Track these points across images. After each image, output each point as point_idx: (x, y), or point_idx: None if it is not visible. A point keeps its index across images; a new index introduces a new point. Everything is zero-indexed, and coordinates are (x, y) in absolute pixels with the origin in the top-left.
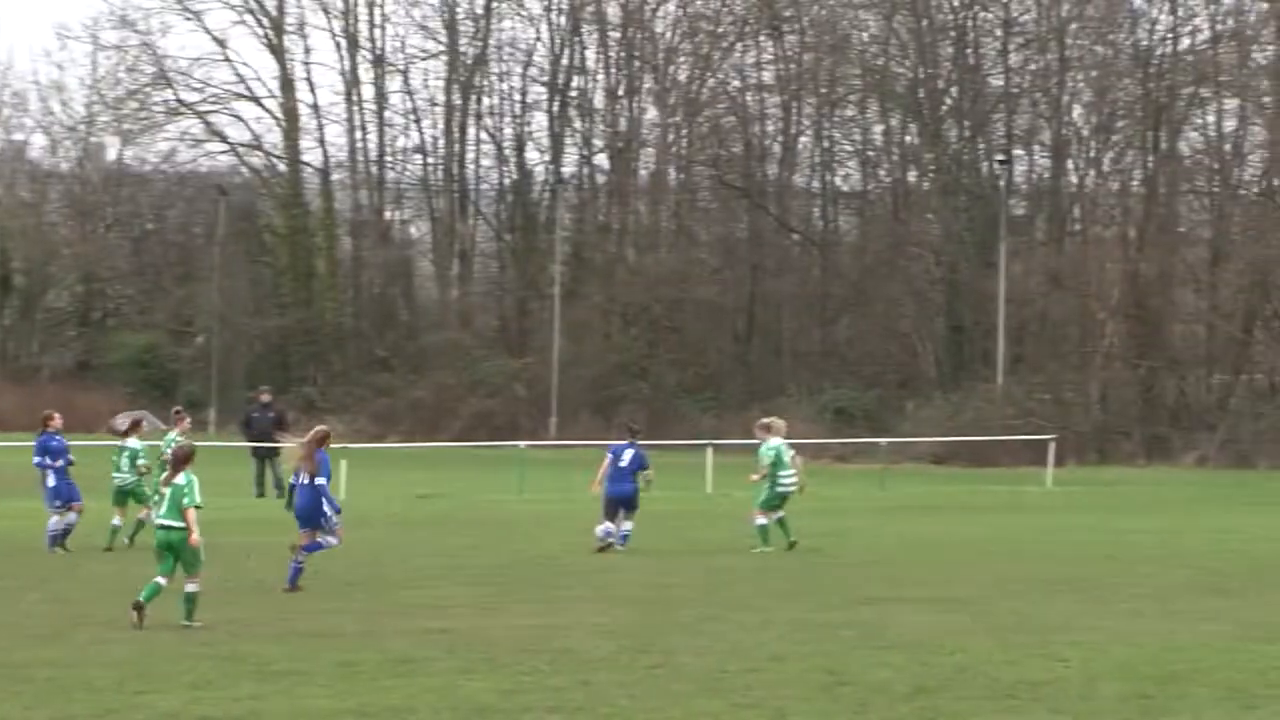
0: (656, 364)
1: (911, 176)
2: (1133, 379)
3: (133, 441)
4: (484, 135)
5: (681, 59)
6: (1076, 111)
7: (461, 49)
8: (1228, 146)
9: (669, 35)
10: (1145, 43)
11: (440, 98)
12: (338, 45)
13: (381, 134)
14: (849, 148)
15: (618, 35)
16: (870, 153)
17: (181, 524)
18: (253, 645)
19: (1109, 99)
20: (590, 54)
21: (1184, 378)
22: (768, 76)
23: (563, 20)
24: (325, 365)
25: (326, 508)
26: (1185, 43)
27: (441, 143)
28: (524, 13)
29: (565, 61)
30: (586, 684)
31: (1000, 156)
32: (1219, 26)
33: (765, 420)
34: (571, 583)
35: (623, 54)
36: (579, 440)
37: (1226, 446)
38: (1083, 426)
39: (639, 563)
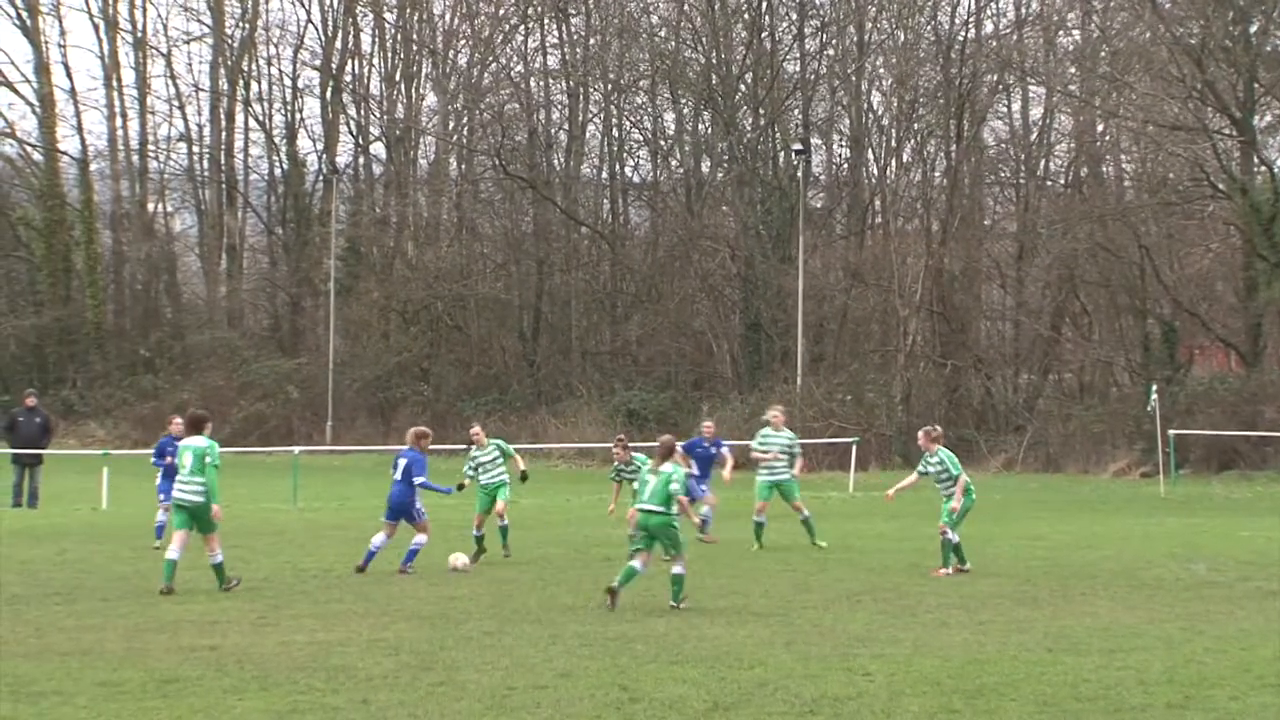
0: (438, 364)
1: (705, 167)
2: (937, 379)
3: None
4: (253, 123)
5: (461, 42)
6: (876, 99)
7: (228, 31)
8: (1033, 136)
9: (448, 18)
10: (947, 27)
11: (206, 83)
12: (95, 27)
13: (144, 121)
14: (639, 137)
15: (393, 17)
16: (662, 142)
17: None
18: (8, 664)
19: (909, 86)
20: (365, 37)
21: (990, 378)
22: (553, 61)
23: (335, 1)
24: (85, 366)
25: None
26: (989, 27)
27: (208, 131)
28: None
29: (339, 45)
30: (366, 703)
31: (797, 146)
32: (1023, 10)
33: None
34: (348, 596)
35: (399, 37)
36: (356, 446)
37: (1034, 449)
38: (886, 429)
39: (420, 575)
